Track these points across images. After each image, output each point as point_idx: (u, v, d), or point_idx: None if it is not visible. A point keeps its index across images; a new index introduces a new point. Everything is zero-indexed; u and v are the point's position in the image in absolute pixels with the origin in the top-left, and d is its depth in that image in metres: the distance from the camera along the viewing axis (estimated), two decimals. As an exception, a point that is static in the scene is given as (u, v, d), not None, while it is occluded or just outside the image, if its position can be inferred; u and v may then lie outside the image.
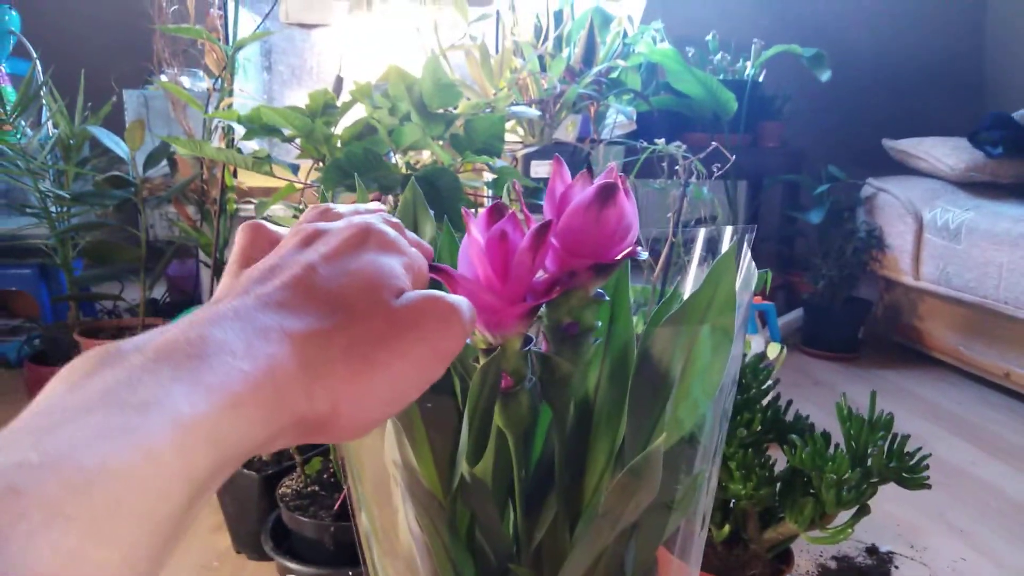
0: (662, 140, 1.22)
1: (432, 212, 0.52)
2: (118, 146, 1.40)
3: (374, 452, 0.43)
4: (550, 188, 0.39)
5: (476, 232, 0.35)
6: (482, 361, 0.37)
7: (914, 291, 2.18)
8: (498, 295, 0.35)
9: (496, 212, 0.35)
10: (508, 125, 1.44)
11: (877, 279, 2.31)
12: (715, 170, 0.93)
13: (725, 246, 0.47)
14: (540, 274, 0.38)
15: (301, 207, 0.91)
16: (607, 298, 0.41)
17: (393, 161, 0.85)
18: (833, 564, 1.12)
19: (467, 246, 0.36)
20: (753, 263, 0.43)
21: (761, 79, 2.35)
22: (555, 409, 0.42)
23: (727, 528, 0.82)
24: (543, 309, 0.40)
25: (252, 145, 1.08)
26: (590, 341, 0.41)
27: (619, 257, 0.39)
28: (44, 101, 1.54)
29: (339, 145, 0.79)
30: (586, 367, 0.43)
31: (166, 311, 1.79)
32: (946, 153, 2.15)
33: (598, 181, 0.37)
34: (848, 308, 2.19)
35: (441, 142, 0.87)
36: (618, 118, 1.68)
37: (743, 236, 0.44)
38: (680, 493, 0.44)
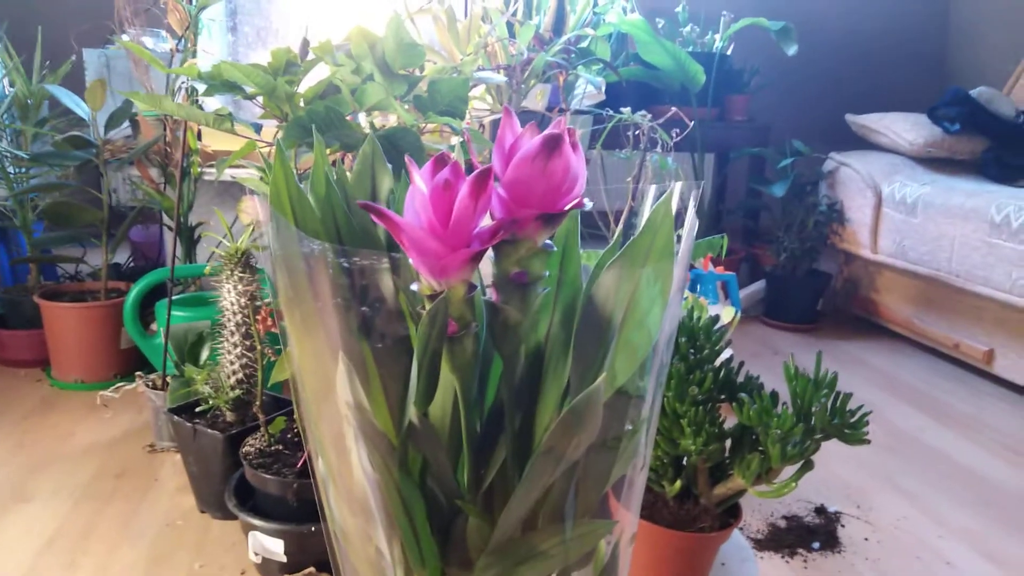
0: (627, 109, 1.23)
1: (391, 167, 0.53)
2: (78, 106, 1.38)
3: (329, 395, 0.45)
4: (499, 138, 0.40)
5: (420, 181, 0.36)
6: (428, 307, 0.39)
7: (872, 264, 2.23)
8: (441, 241, 0.36)
9: (440, 162, 0.37)
10: (477, 93, 1.44)
11: (837, 252, 2.36)
12: (674, 136, 0.95)
13: (675, 201, 0.49)
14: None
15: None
16: (555, 248, 0.43)
17: (358, 122, 0.85)
18: (783, 523, 1.16)
19: (412, 194, 0.37)
20: (696, 217, 0.45)
21: (729, 52, 2.37)
22: (504, 357, 0.44)
23: (679, 483, 0.85)
24: (492, 259, 0.41)
25: (216, 104, 1.07)
26: (538, 291, 0.43)
27: (566, 208, 0.41)
28: None
29: (302, 104, 0.79)
30: (535, 316, 0.45)
31: (130, 276, 1.77)
32: (906, 129, 2.20)
33: (545, 132, 0.38)
34: (808, 280, 2.24)
35: (407, 106, 0.87)
36: (587, 88, 1.68)
37: (689, 191, 0.46)
38: (624, 440, 0.46)
